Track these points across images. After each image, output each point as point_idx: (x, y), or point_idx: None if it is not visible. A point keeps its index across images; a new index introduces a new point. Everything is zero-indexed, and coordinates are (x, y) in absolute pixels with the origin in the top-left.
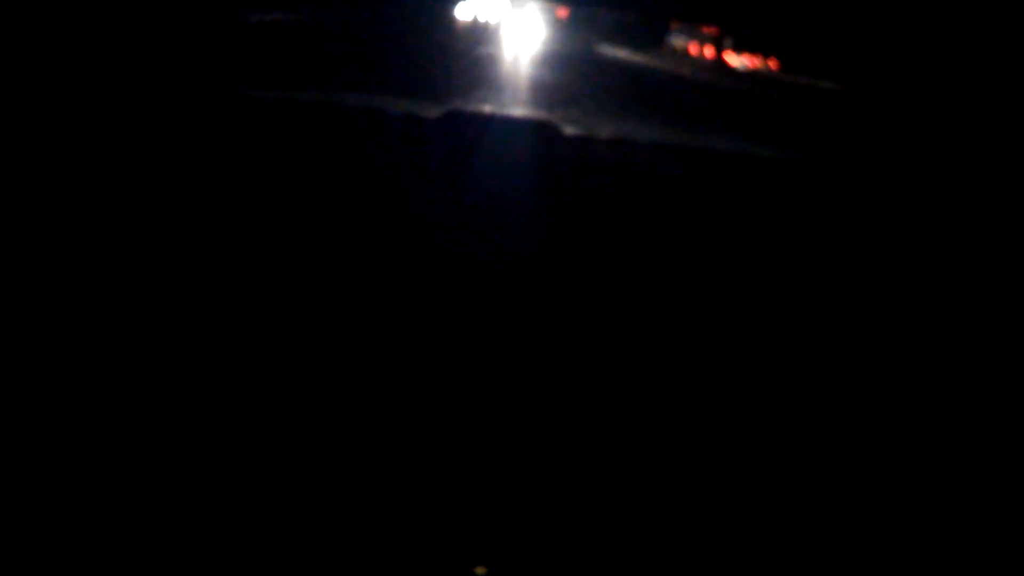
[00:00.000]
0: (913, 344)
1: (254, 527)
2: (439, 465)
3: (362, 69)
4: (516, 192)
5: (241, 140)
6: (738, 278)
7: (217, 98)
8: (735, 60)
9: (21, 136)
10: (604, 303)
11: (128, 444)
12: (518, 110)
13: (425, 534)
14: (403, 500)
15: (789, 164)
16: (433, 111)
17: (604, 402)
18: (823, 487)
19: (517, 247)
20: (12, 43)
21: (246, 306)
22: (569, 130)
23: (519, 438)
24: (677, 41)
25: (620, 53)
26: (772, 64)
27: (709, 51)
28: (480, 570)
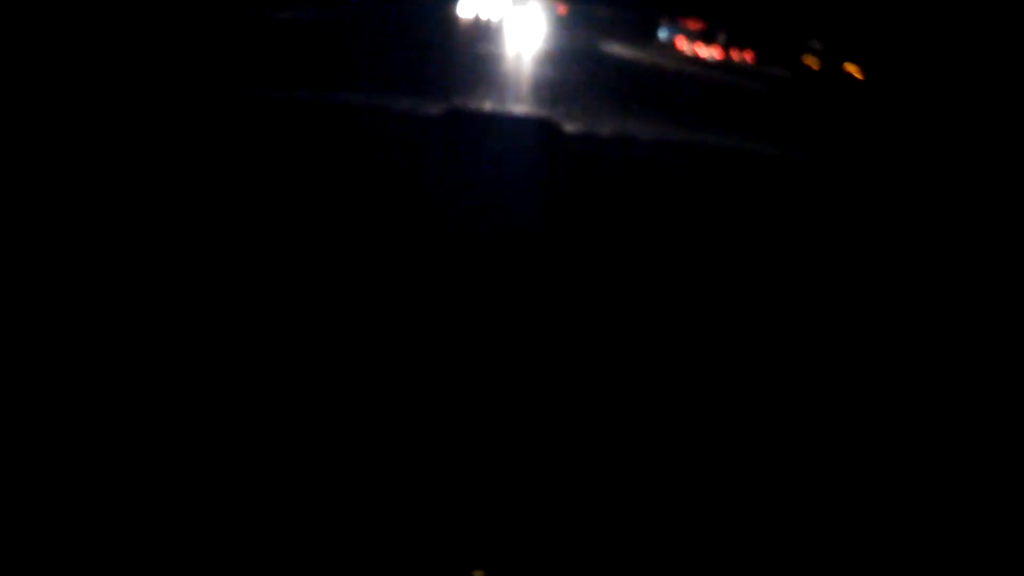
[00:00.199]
0: (913, 340)
1: (254, 526)
2: (438, 465)
3: (364, 67)
4: (517, 189)
5: (243, 138)
6: (739, 274)
7: (219, 97)
8: (704, 51)
9: (23, 135)
10: (606, 299)
11: (129, 440)
12: (519, 107)
13: (424, 534)
14: (403, 500)
15: (789, 160)
16: (434, 109)
17: (604, 401)
18: (822, 484)
19: (518, 244)
20: (15, 42)
21: (248, 301)
22: (570, 127)
23: (518, 438)
24: (664, 36)
25: (617, 48)
26: (747, 56)
27: (689, 46)
28: (477, 573)
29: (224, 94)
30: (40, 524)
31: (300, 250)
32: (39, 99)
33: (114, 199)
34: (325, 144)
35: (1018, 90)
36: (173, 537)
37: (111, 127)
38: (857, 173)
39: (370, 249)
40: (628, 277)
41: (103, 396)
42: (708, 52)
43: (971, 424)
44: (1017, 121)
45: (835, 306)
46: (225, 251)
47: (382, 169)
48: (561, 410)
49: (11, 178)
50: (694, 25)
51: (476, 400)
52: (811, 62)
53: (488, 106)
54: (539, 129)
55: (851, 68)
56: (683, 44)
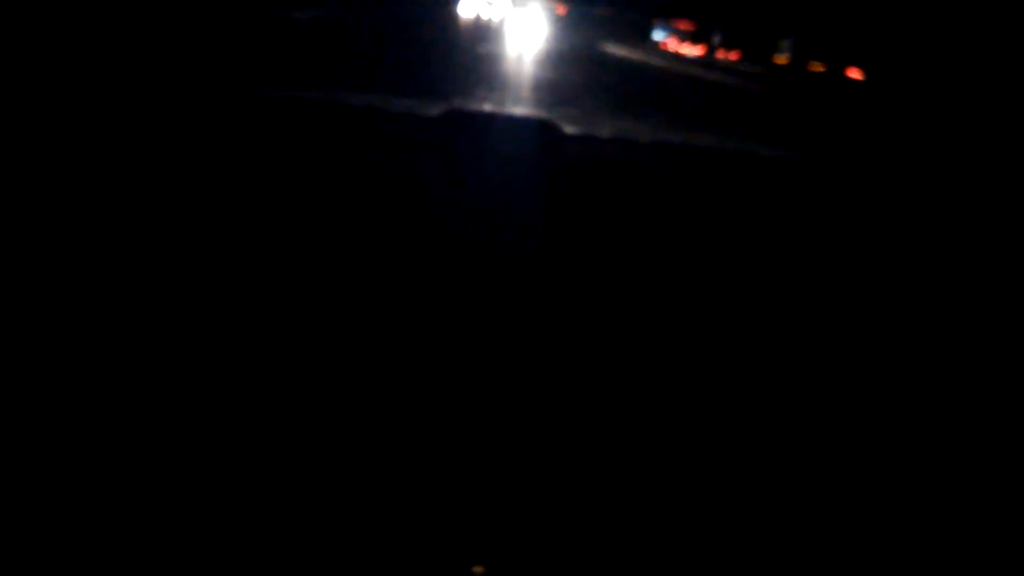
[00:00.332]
0: (912, 340)
1: (254, 526)
2: (438, 465)
3: (363, 67)
4: (517, 190)
5: (243, 139)
6: (738, 274)
7: (219, 97)
8: (685, 49)
9: (25, 134)
10: (605, 301)
11: (129, 442)
12: (519, 108)
13: (424, 533)
14: (402, 499)
15: (787, 161)
16: (434, 109)
17: (604, 401)
18: (822, 484)
19: (517, 245)
20: (17, 41)
21: (248, 302)
22: (570, 129)
23: (517, 438)
24: (658, 36)
25: (612, 48)
26: (732, 55)
27: (676, 45)
28: (478, 569)
29: (224, 94)
30: (40, 524)
31: (300, 250)
32: (39, 98)
33: (115, 198)
34: (324, 144)
35: (1014, 91)
36: (173, 537)
37: (111, 127)
38: (855, 173)
39: (369, 249)
40: (628, 279)
41: (101, 395)
42: (689, 50)
43: (971, 424)
44: (1014, 121)
45: (835, 307)
46: (225, 251)
47: (382, 170)
48: (561, 410)
49: (11, 177)
50: (684, 26)
51: (476, 400)
52: (780, 60)
53: (487, 107)
54: (538, 130)
55: (817, 66)
56: (671, 43)
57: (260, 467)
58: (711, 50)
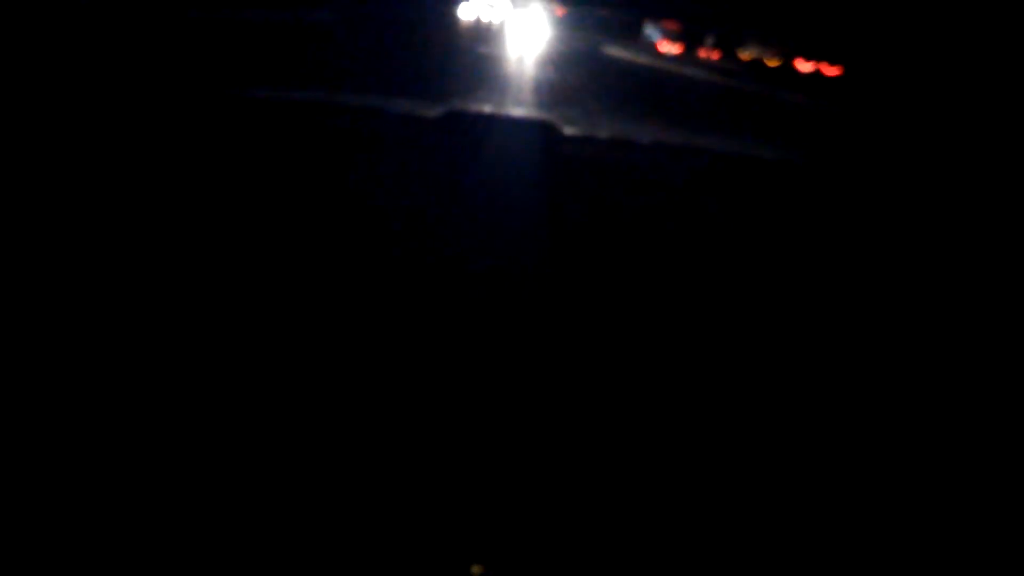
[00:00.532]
0: (911, 342)
1: (254, 526)
2: (436, 467)
3: (363, 68)
4: (516, 191)
5: (242, 139)
6: (738, 277)
7: (219, 97)
8: (666, 47)
9: (23, 134)
10: (604, 302)
11: (128, 444)
12: (518, 110)
13: (423, 533)
14: (401, 502)
15: (787, 164)
16: (434, 110)
17: (603, 402)
18: (822, 486)
19: (517, 246)
20: (15, 42)
21: (245, 307)
22: (569, 130)
23: (516, 439)
24: (648, 35)
25: (609, 49)
26: (714, 54)
27: (666, 44)
28: (476, 569)
29: (224, 95)
30: (40, 524)
31: (300, 251)
32: (37, 99)
33: (111, 198)
34: (325, 144)
35: (1013, 92)
36: (173, 537)
37: (109, 127)
38: (855, 176)
39: (369, 250)
40: (627, 279)
41: (99, 395)
42: (668, 48)
43: (971, 424)
44: (1018, 127)
45: (836, 309)
46: (223, 251)
47: (382, 170)
48: (560, 411)
49: (8, 176)
50: (671, 26)
51: (476, 401)
52: (745, 56)
53: (487, 108)
54: (538, 131)
55: (773, 61)
56: (661, 44)
57: (260, 467)
58: (693, 48)
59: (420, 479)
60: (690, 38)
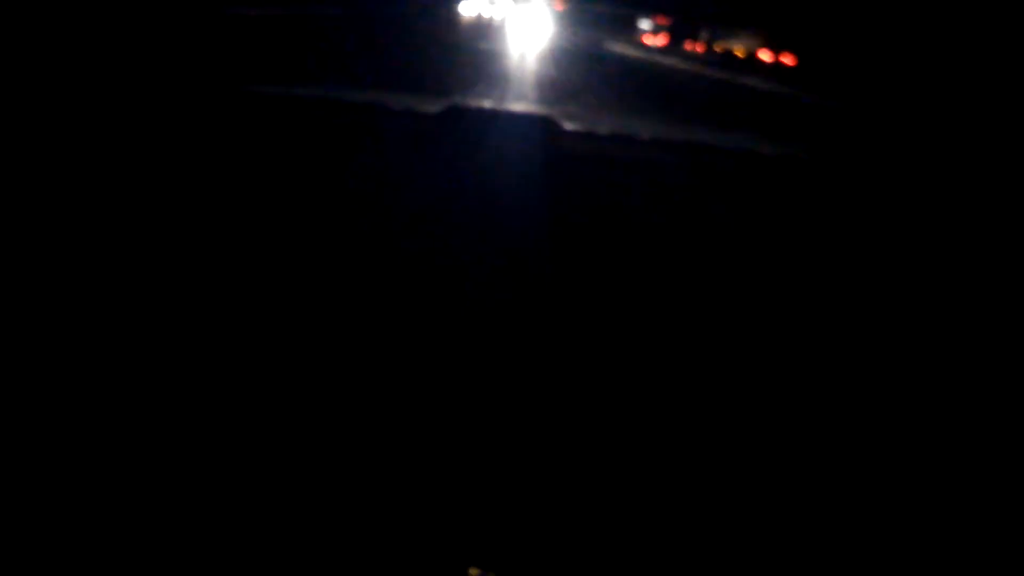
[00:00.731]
0: (914, 340)
1: (254, 527)
2: (435, 467)
3: (363, 64)
4: (517, 186)
5: (241, 135)
6: (739, 273)
7: (217, 93)
8: (650, 40)
9: (22, 133)
10: (606, 298)
11: (128, 446)
12: (519, 105)
13: (419, 535)
14: (398, 503)
15: (791, 159)
16: (434, 106)
17: (603, 401)
18: (822, 487)
19: (518, 241)
20: (14, 41)
21: (246, 304)
22: (569, 125)
23: (517, 438)
24: (644, 28)
25: (606, 43)
26: (699, 47)
27: (656, 38)
28: (474, 571)
29: (222, 90)
30: (40, 524)
31: (299, 247)
32: (34, 97)
33: (110, 196)
34: (325, 140)
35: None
36: (173, 537)
37: (108, 121)
38: (860, 172)
39: (369, 243)
40: (629, 275)
41: (99, 392)
42: (653, 40)
43: (972, 424)
44: (1018, 125)
45: (836, 304)
46: (221, 249)
47: (382, 166)
48: (560, 410)
49: (9, 173)
50: (662, 21)
51: (475, 400)
52: (719, 48)
53: (488, 103)
54: (538, 126)
55: (739, 51)
56: (652, 37)
57: (259, 466)
58: (679, 41)
59: (419, 479)
60: (677, 32)
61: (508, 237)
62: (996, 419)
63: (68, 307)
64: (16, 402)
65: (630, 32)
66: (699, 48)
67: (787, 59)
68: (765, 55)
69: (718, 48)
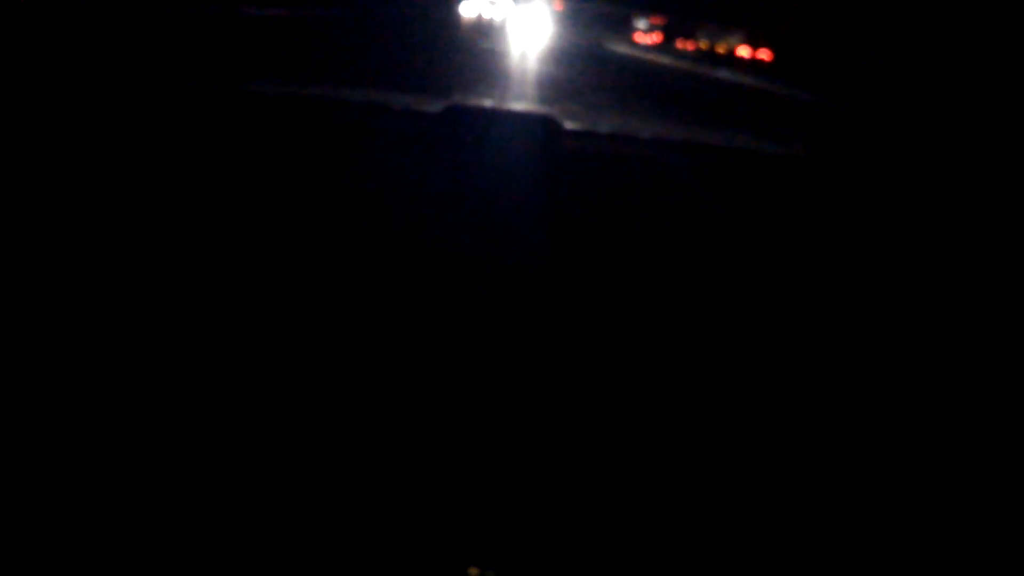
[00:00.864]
0: (915, 338)
1: (254, 527)
2: (435, 466)
3: (363, 63)
4: (517, 187)
5: (240, 134)
6: (740, 272)
7: (217, 92)
8: (643, 38)
9: (21, 133)
10: (606, 297)
11: (128, 445)
12: (520, 104)
13: (419, 535)
14: (397, 503)
15: (791, 158)
16: (435, 105)
17: (603, 400)
18: (822, 486)
19: (518, 240)
20: (13, 41)
21: (245, 303)
22: (570, 124)
23: (515, 440)
24: (640, 27)
25: (605, 42)
26: (689, 45)
27: (652, 37)
28: (473, 571)
29: (221, 89)
30: (40, 524)
31: (300, 244)
32: (32, 96)
33: (110, 195)
34: (325, 140)
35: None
36: (172, 537)
37: (107, 120)
38: (859, 170)
39: (370, 243)
40: (631, 274)
41: (99, 392)
42: (646, 39)
43: (972, 425)
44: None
45: (837, 303)
46: (222, 248)
47: (382, 165)
48: (560, 409)
49: (8, 172)
50: (656, 20)
51: (475, 399)
52: (703, 45)
53: (488, 103)
54: (540, 126)
55: (721, 48)
56: (647, 36)
57: (259, 466)
58: (671, 40)
59: (419, 479)
60: (669, 30)
61: (509, 237)
62: (995, 418)
63: (68, 305)
64: (16, 402)
65: (628, 31)
66: (699, 47)
67: (787, 59)
68: (763, 54)
69: (716, 47)
